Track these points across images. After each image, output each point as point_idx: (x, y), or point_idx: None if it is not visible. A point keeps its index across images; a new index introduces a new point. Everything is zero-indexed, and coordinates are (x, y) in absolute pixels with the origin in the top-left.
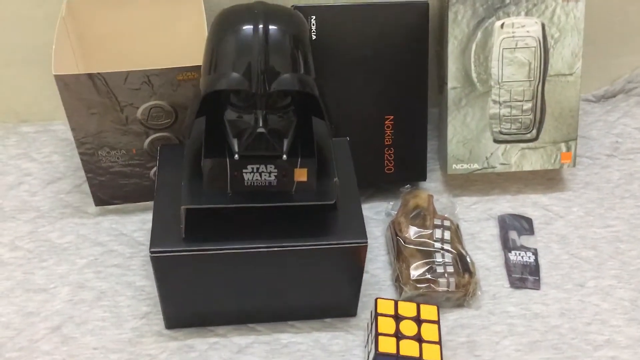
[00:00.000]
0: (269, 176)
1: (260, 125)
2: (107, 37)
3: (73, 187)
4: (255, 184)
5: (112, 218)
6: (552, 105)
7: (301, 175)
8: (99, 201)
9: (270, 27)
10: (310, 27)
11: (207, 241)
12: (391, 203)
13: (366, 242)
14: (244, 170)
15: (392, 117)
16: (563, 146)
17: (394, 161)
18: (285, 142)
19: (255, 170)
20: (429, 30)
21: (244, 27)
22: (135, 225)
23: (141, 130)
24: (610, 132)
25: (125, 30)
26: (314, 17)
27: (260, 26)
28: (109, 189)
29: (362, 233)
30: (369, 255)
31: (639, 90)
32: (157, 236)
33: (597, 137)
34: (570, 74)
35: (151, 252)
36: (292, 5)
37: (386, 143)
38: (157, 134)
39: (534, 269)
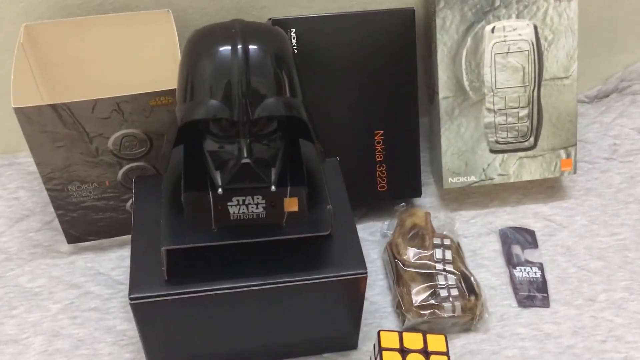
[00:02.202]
0: (257, 208)
1: (245, 155)
2: (72, 62)
3: (43, 225)
4: (242, 217)
5: (87, 256)
6: (549, 111)
7: (292, 205)
8: (72, 239)
9: (251, 46)
10: (291, 40)
11: (192, 282)
12: (386, 222)
13: (366, 273)
14: (229, 203)
15: (381, 131)
16: (562, 153)
17: (387, 178)
18: (274, 172)
19: (241, 203)
20: (417, 38)
21: (221, 49)
22: (113, 262)
23: (113, 161)
24: (607, 134)
25: (92, 54)
26: (293, 30)
27: (239, 46)
28: (82, 225)
29: (361, 263)
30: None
31: (633, 88)
32: (137, 280)
33: (594, 140)
34: (567, 77)
35: (131, 299)
36: (270, 19)
37: (377, 159)
38: (132, 164)
39: (542, 285)
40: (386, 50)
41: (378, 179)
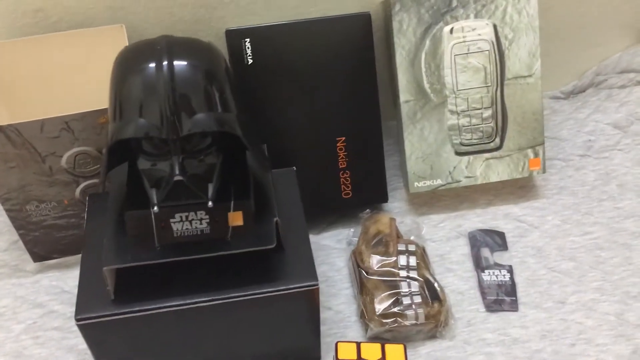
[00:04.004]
0: (200, 223)
1: (177, 172)
2: (27, 82)
3: (10, 244)
4: (186, 233)
5: (52, 274)
6: (514, 110)
7: (236, 219)
8: (37, 257)
9: (176, 62)
10: (245, 50)
11: (140, 301)
12: (352, 230)
13: (317, 284)
14: (171, 220)
15: (343, 138)
16: (530, 152)
17: (351, 185)
18: (210, 187)
19: (184, 219)
20: (375, 43)
21: (146, 66)
22: (77, 280)
23: (69, 180)
24: (582, 131)
25: (47, 73)
26: (248, 39)
27: (165, 62)
28: (45, 244)
29: (312, 274)
30: (332, 290)
31: (608, 82)
32: (84, 300)
33: (567, 137)
34: (530, 75)
35: (77, 320)
36: (226, 30)
37: (340, 166)
38: (88, 182)
39: (510, 289)
40: (344, 56)
41: (342, 186)
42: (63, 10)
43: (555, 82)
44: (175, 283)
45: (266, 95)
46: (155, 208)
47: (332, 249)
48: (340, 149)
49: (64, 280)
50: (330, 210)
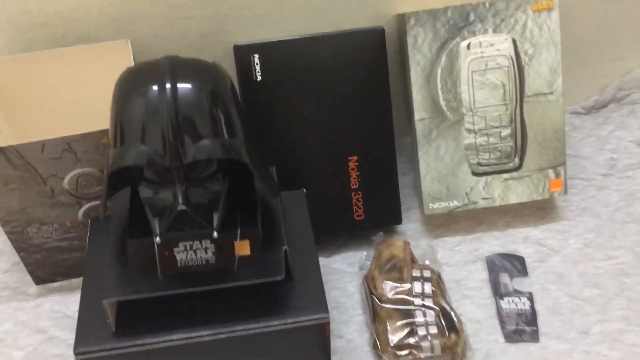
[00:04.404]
0: (206, 253)
1: (180, 202)
2: (31, 99)
3: (11, 265)
4: (190, 263)
5: (55, 298)
6: (534, 129)
7: (243, 248)
8: (39, 280)
9: (180, 85)
10: (254, 66)
11: (142, 334)
12: (364, 253)
13: (327, 318)
14: (175, 249)
15: (355, 157)
16: (551, 172)
17: (364, 206)
18: (215, 217)
19: (188, 248)
20: (389, 58)
21: (148, 89)
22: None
23: (72, 201)
24: (604, 148)
25: (44, 89)
26: (257, 55)
27: (168, 86)
28: (47, 266)
29: (322, 306)
30: (343, 317)
31: (631, 97)
32: (84, 332)
33: (589, 155)
34: (551, 92)
35: (76, 354)
36: (234, 45)
37: (352, 187)
38: (91, 203)
39: (531, 318)
40: (356, 72)
41: (354, 207)
42: (67, 25)
43: (575, 97)
44: (179, 315)
45: (275, 113)
46: (158, 239)
47: (343, 273)
48: (352, 169)
49: (66, 305)
50: (341, 232)
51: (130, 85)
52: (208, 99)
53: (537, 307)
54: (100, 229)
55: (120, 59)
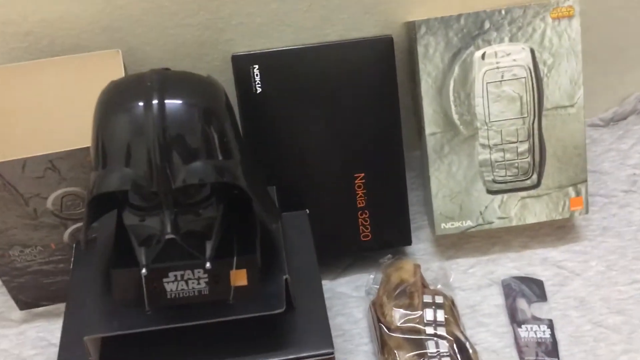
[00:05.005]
0: (198, 283)
1: (169, 230)
2: (6, 113)
3: None
4: (181, 294)
5: (40, 324)
6: (553, 144)
7: (239, 278)
8: (24, 304)
9: (168, 101)
10: (254, 78)
11: None
12: (371, 276)
13: (332, 353)
14: (164, 280)
15: (362, 174)
16: (571, 190)
17: (370, 226)
18: (209, 245)
19: (179, 278)
20: (398, 69)
21: (133, 106)
22: None
23: (56, 222)
24: (625, 163)
25: (28, 103)
26: (256, 66)
27: (155, 102)
28: (32, 291)
29: (327, 340)
30: (348, 346)
31: None
32: None
33: (610, 170)
34: (571, 105)
35: None
36: (232, 55)
37: (359, 206)
38: (78, 224)
39: (551, 347)
40: (363, 84)
41: (361, 227)
42: (55, 33)
43: (593, 109)
44: (168, 352)
45: (276, 128)
46: (144, 270)
47: (349, 298)
48: (359, 187)
49: (51, 332)
50: (347, 254)
51: (114, 101)
52: (200, 116)
53: (558, 335)
54: (86, 254)
55: (110, 71)
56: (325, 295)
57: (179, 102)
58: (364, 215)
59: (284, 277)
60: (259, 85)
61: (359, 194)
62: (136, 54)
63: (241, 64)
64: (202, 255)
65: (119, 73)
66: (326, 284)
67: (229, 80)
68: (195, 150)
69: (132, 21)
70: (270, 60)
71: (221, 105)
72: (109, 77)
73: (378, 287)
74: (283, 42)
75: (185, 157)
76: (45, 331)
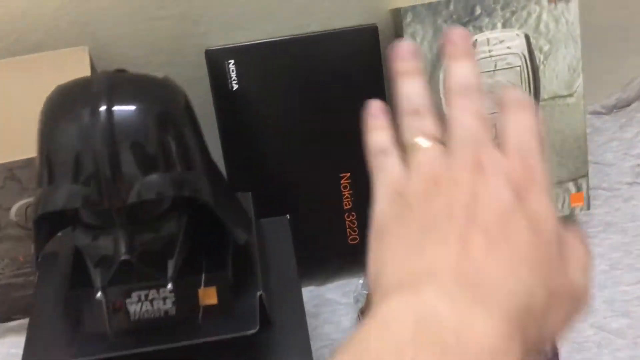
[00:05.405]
0: (164, 303)
1: (123, 251)
2: None
3: None
4: (146, 316)
5: (12, 340)
6: (552, 137)
7: (209, 296)
8: None
9: (117, 107)
10: (229, 74)
11: None
12: (360, 281)
13: None
14: (127, 301)
15: (348, 174)
16: (571, 186)
17: (358, 228)
18: (170, 264)
19: (143, 299)
20: (384, 60)
21: (79, 114)
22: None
23: (22, 234)
24: (629, 153)
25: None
26: (232, 61)
27: (102, 109)
28: (2, 305)
29: (307, 358)
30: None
31: None
32: None
33: (612, 161)
34: (570, 95)
35: None
36: (206, 50)
37: (345, 207)
38: None
39: (551, 355)
40: (347, 78)
41: (348, 230)
42: (19, 30)
43: (595, 95)
44: None
45: (255, 127)
46: (99, 294)
47: (337, 304)
48: (345, 187)
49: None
50: (334, 258)
51: (58, 110)
52: (154, 122)
53: (558, 342)
54: (51, 269)
55: (75, 70)
56: (313, 302)
57: (130, 107)
58: (351, 217)
59: (258, 293)
60: (235, 82)
61: (345, 194)
62: (108, 50)
63: (215, 60)
64: (164, 275)
65: (85, 72)
66: (313, 290)
67: (206, 77)
68: (150, 162)
69: (100, 15)
70: (247, 55)
71: (179, 110)
72: (75, 77)
73: (367, 293)
74: (262, 35)
75: (138, 170)
76: (18, 347)
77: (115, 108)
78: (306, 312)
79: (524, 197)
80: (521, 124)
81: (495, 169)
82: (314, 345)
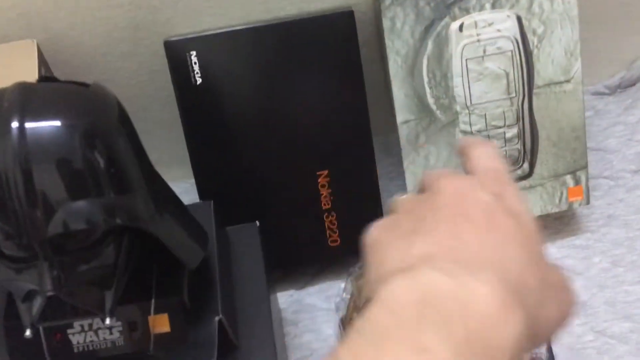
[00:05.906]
0: (110, 333)
1: (48, 287)
2: None
3: None
4: (91, 347)
5: None
6: (547, 127)
7: (160, 324)
8: None
9: (31, 125)
10: (192, 66)
11: None
12: (342, 286)
13: None
14: (68, 331)
15: (326, 171)
16: (569, 179)
17: (339, 230)
18: (108, 297)
19: (86, 329)
20: (366, 46)
21: None
22: None
23: None
24: (634, 139)
25: None
26: (194, 52)
27: (14, 126)
28: None
29: None
30: None
31: None
32: None
33: (616, 147)
34: (567, 81)
35: None
36: (164, 41)
37: (324, 207)
38: None
39: None
40: (321, 68)
41: (328, 231)
42: None
43: (597, 75)
44: None
45: (221, 124)
46: (28, 332)
47: (318, 310)
48: (323, 185)
49: None
50: (313, 262)
51: None
52: (79, 140)
53: (555, 348)
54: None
55: (23, 65)
56: (292, 308)
57: (47, 123)
58: (330, 218)
59: (217, 318)
60: (199, 75)
61: (323, 193)
62: (59, 43)
63: (176, 51)
64: (100, 309)
65: (32, 66)
66: (293, 295)
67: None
68: (75, 185)
69: (52, 4)
70: (210, 45)
71: (110, 123)
72: (22, 73)
73: (348, 300)
74: (231, 22)
75: (62, 196)
76: None
77: (29, 125)
78: (285, 320)
79: (502, 197)
80: (484, 153)
81: (472, 185)
82: (293, 356)
